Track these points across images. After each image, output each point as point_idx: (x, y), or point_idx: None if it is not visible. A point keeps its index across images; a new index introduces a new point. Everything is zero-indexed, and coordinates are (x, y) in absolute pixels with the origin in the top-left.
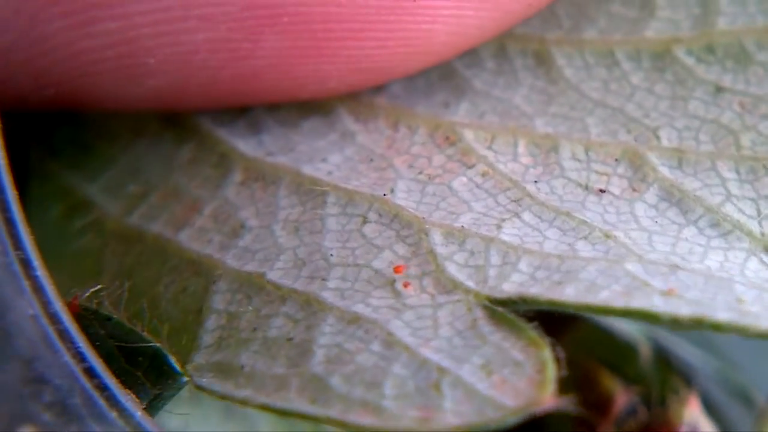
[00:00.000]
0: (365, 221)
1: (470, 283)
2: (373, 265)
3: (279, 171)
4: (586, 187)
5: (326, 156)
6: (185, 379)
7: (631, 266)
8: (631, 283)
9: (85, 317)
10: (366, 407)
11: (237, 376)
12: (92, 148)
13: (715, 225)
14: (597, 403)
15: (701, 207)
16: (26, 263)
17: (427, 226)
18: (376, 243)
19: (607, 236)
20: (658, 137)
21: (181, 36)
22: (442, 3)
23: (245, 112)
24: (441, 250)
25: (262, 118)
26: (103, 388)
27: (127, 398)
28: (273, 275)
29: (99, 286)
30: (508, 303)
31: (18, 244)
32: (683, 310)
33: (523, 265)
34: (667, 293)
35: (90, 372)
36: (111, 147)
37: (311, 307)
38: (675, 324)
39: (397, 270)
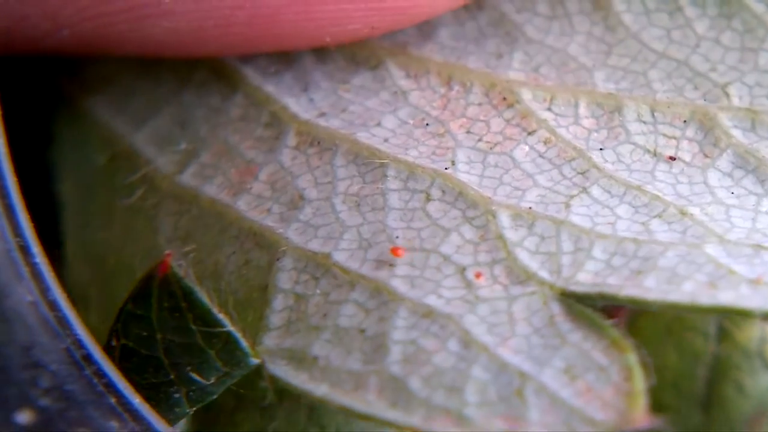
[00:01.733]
0: (429, 198)
1: (544, 274)
2: (441, 250)
3: (334, 137)
4: (655, 154)
5: (380, 119)
6: (255, 361)
7: (712, 249)
8: (715, 271)
9: (169, 282)
10: (449, 415)
11: (311, 367)
12: (133, 89)
13: None
14: None
15: None
16: (25, 250)
17: (493, 208)
18: (442, 224)
19: (683, 213)
20: (727, 95)
21: None
22: None
23: (291, 63)
24: (510, 234)
25: (309, 72)
26: (101, 374)
27: (125, 386)
28: (339, 257)
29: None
30: (585, 299)
31: (17, 230)
32: None
33: (597, 251)
34: (755, 282)
35: (88, 359)
36: (155, 91)
37: (382, 295)
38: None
39: (466, 254)
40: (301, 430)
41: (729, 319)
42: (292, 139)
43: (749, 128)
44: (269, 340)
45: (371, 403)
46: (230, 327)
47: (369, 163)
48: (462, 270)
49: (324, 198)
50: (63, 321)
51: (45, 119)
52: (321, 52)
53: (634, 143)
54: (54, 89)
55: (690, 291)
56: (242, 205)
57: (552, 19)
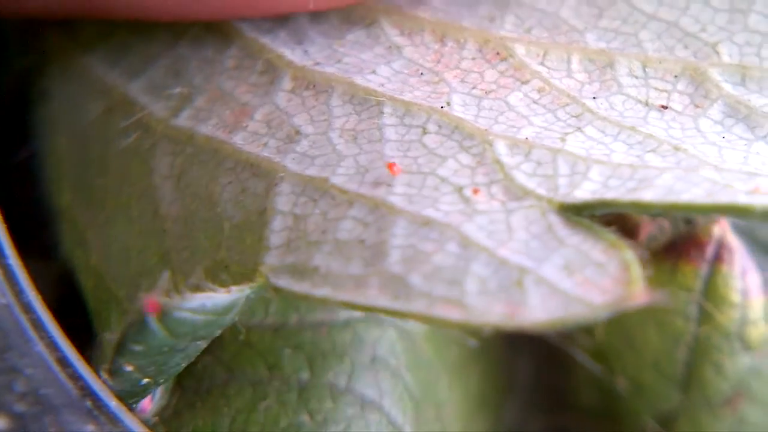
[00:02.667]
0: (425, 132)
1: (541, 191)
2: (438, 172)
3: (330, 80)
4: (647, 104)
5: (375, 68)
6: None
7: (708, 173)
8: (712, 187)
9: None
10: (450, 303)
11: (313, 276)
12: (127, 44)
13: None
14: (626, 231)
15: None
16: None
17: (490, 137)
18: (439, 153)
19: (677, 149)
20: (717, 53)
21: None
22: None
23: (286, 21)
24: (507, 159)
25: (304, 29)
26: (76, 377)
27: (101, 387)
28: (337, 180)
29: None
30: (584, 208)
31: None
32: None
33: (593, 174)
34: (753, 191)
35: (63, 361)
36: (149, 46)
37: (380, 210)
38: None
39: (463, 176)
40: (292, 411)
41: (710, 300)
42: (287, 83)
43: (739, 82)
44: (271, 258)
45: (373, 297)
46: None
47: (365, 100)
48: (460, 189)
49: (320, 132)
50: (37, 323)
51: (33, 77)
52: (316, 13)
53: (626, 94)
54: (44, 44)
55: (690, 197)
56: (238, 140)
57: None
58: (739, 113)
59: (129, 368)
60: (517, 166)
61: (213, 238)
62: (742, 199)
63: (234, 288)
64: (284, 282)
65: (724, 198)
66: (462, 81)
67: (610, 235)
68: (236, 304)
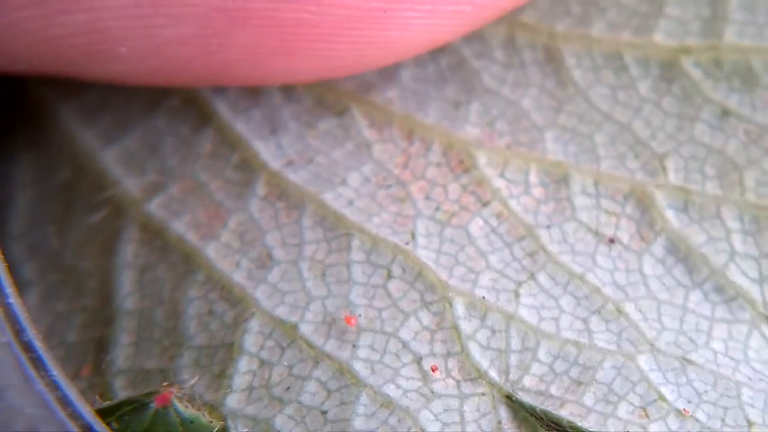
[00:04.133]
0: (390, 275)
1: (493, 374)
2: (400, 335)
3: (302, 195)
4: (597, 234)
5: (345, 176)
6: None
7: (645, 362)
8: (646, 394)
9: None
10: None
11: None
12: (104, 103)
13: (719, 290)
14: None
15: (707, 268)
16: None
17: (450, 294)
18: (402, 307)
19: (619, 312)
20: (664, 168)
21: (151, 30)
22: (414, 14)
23: (260, 99)
24: (464, 326)
25: (278, 110)
26: (77, 416)
27: (101, 428)
28: (305, 329)
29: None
30: (531, 411)
31: None
32: None
33: (542, 353)
34: (682, 414)
35: (64, 400)
36: (125, 109)
37: (344, 378)
38: None
39: (423, 341)
40: None
41: None
42: (261, 189)
43: (682, 209)
44: (232, 402)
45: None
46: None
47: (334, 227)
48: (419, 360)
49: (291, 261)
50: (38, 362)
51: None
52: (289, 91)
53: (578, 220)
54: (19, 87)
55: (624, 419)
56: (211, 252)
57: (508, 67)
58: (679, 252)
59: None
60: (473, 335)
61: (167, 350)
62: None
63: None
64: None
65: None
66: (426, 197)
67: None
68: None
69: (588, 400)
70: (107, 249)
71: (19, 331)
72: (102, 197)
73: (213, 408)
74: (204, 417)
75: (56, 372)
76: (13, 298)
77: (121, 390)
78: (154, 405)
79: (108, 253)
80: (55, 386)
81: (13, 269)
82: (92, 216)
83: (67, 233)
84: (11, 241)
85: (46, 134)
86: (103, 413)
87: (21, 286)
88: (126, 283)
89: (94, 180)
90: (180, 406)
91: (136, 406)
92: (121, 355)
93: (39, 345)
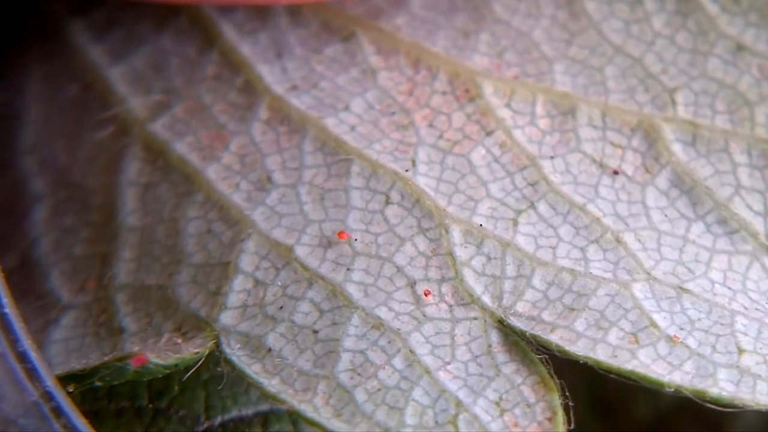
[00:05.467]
0: (388, 201)
1: (486, 299)
2: (395, 260)
3: (304, 120)
4: (601, 165)
5: (349, 102)
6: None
7: (639, 290)
8: (638, 321)
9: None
10: None
11: (264, 358)
12: (113, 18)
13: (722, 222)
14: None
15: (711, 200)
16: None
17: (447, 221)
18: (399, 233)
19: (618, 241)
20: (674, 102)
21: None
22: None
23: (266, 22)
24: (460, 252)
25: (284, 34)
26: (71, 428)
27: None
28: (300, 251)
29: None
30: (521, 335)
31: None
32: (685, 382)
33: (536, 280)
34: (672, 340)
35: (57, 411)
36: (134, 26)
37: (336, 299)
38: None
39: (417, 267)
40: None
41: None
42: (263, 112)
43: (690, 142)
44: (225, 319)
45: (318, 408)
46: None
47: (335, 153)
48: (413, 284)
49: (290, 185)
50: (32, 373)
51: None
52: (296, 14)
53: (583, 151)
54: (30, 1)
55: (614, 344)
56: (211, 173)
57: None
58: (684, 184)
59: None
60: (468, 262)
61: (167, 267)
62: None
63: (197, 348)
64: (236, 355)
65: (643, 356)
66: (430, 125)
67: (542, 368)
68: (197, 362)
69: (579, 325)
70: (112, 166)
71: (14, 341)
72: (108, 115)
73: (206, 323)
74: (187, 352)
75: (51, 383)
76: (9, 308)
77: (123, 305)
78: (132, 366)
79: (113, 170)
80: (49, 397)
81: (23, 182)
82: (98, 133)
83: (75, 150)
84: (22, 155)
85: (56, 48)
86: (84, 375)
87: (31, 199)
88: (129, 201)
89: (101, 97)
90: (158, 359)
91: (114, 369)
92: (123, 270)
93: (34, 355)
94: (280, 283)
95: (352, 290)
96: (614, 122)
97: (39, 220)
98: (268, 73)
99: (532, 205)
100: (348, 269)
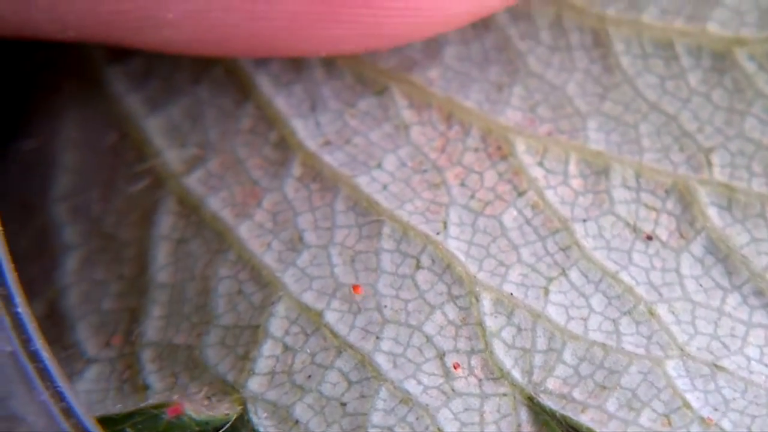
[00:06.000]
0: (419, 266)
1: (516, 374)
2: (424, 329)
3: (336, 178)
4: (634, 229)
5: (381, 159)
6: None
7: (673, 368)
8: (671, 401)
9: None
10: None
11: (291, 429)
12: (150, 68)
13: (759, 293)
14: None
15: (747, 270)
16: (8, 299)
17: (477, 289)
18: (429, 299)
19: (651, 313)
20: (710, 163)
21: None
22: None
23: (301, 73)
24: (490, 322)
25: (319, 85)
26: (80, 428)
27: None
28: (330, 317)
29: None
30: (551, 415)
31: (0, 279)
32: None
33: (567, 355)
34: (706, 422)
35: (68, 412)
36: (171, 77)
37: (365, 370)
38: None
39: (447, 336)
40: None
41: None
42: (296, 169)
43: (725, 207)
44: (253, 385)
45: None
46: None
47: (366, 213)
48: (442, 356)
49: (322, 246)
50: (44, 372)
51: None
52: (330, 66)
53: (616, 214)
54: (67, 46)
55: (646, 427)
56: (243, 231)
57: (554, 50)
58: (719, 252)
59: None
60: (498, 333)
61: (196, 327)
62: None
63: (226, 410)
64: (262, 425)
65: None
66: (462, 184)
67: None
68: (225, 424)
69: (611, 405)
70: (145, 219)
71: (26, 341)
72: (143, 167)
73: (233, 389)
74: (218, 412)
75: (62, 383)
76: (22, 307)
77: (148, 362)
78: (167, 416)
79: (146, 223)
80: (60, 397)
81: (54, 231)
82: (133, 185)
83: (109, 199)
84: (54, 202)
85: (93, 95)
86: (116, 420)
87: (62, 249)
88: (161, 256)
89: (137, 147)
90: (193, 412)
91: (148, 416)
92: (152, 327)
93: (46, 355)
94: (309, 351)
95: (381, 360)
96: (648, 183)
97: (69, 270)
98: (302, 128)
99: (564, 273)
100: (377, 337)
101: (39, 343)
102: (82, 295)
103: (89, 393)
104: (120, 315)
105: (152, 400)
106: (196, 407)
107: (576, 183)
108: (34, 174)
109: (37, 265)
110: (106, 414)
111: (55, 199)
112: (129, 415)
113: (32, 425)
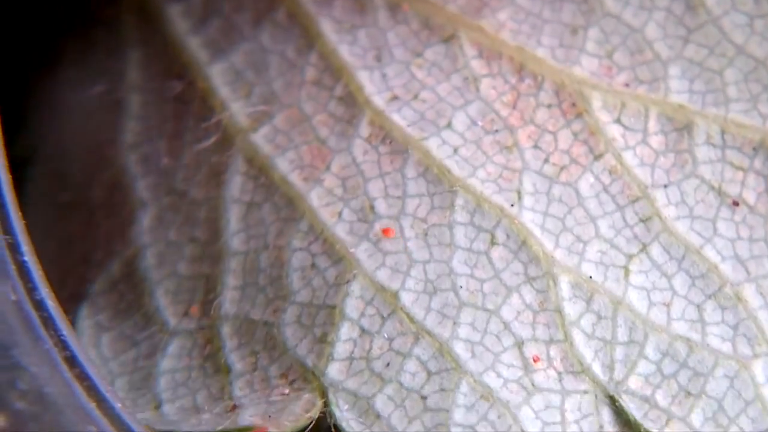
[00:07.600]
0: (493, 242)
1: (596, 369)
2: (501, 314)
3: (406, 141)
4: (719, 193)
5: (451, 117)
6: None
7: (761, 371)
8: (758, 418)
9: None
10: None
11: (373, 424)
12: (211, 7)
13: None
14: None
15: None
16: (14, 247)
17: (555, 270)
18: (505, 280)
19: (738, 298)
20: None
21: None
22: None
23: (366, 18)
24: (569, 309)
25: (383, 33)
26: (84, 377)
27: (108, 389)
28: (405, 298)
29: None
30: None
31: (7, 227)
32: None
33: (649, 349)
34: None
35: (71, 361)
36: (233, 17)
37: (444, 359)
38: None
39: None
40: None
41: None
42: (364, 129)
43: None
44: (333, 372)
45: None
46: None
47: (438, 181)
48: (520, 345)
49: (394, 217)
50: (48, 321)
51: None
52: (395, 9)
53: (700, 177)
54: None
55: None
56: (314, 198)
57: None
58: None
59: None
60: (577, 321)
61: (272, 301)
62: None
63: (306, 405)
64: (344, 418)
65: None
66: (535, 146)
67: None
68: (307, 425)
69: (696, 419)
70: (216, 178)
71: (31, 290)
72: (210, 123)
73: (313, 375)
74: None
75: (66, 332)
76: (29, 256)
77: (228, 338)
78: None
79: (216, 183)
80: (63, 346)
81: (128, 182)
82: (201, 141)
83: (177, 153)
84: (126, 150)
85: (154, 35)
86: None
87: (136, 204)
88: (233, 220)
89: (203, 98)
90: None
91: None
92: (228, 298)
93: (51, 304)
94: (386, 335)
95: (460, 349)
96: (735, 140)
97: (144, 229)
98: (368, 81)
99: (645, 249)
100: (454, 323)
101: (44, 292)
102: (158, 257)
103: (173, 372)
104: (196, 282)
105: (233, 390)
106: (280, 425)
107: (656, 141)
108: (102, 121)
109: (114, 220)
110: None
111: (125, 147)
112: None
113: (35, 375)
